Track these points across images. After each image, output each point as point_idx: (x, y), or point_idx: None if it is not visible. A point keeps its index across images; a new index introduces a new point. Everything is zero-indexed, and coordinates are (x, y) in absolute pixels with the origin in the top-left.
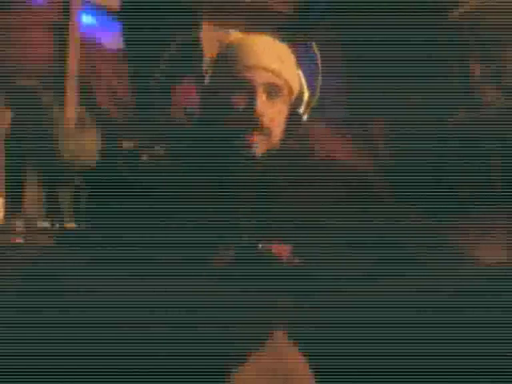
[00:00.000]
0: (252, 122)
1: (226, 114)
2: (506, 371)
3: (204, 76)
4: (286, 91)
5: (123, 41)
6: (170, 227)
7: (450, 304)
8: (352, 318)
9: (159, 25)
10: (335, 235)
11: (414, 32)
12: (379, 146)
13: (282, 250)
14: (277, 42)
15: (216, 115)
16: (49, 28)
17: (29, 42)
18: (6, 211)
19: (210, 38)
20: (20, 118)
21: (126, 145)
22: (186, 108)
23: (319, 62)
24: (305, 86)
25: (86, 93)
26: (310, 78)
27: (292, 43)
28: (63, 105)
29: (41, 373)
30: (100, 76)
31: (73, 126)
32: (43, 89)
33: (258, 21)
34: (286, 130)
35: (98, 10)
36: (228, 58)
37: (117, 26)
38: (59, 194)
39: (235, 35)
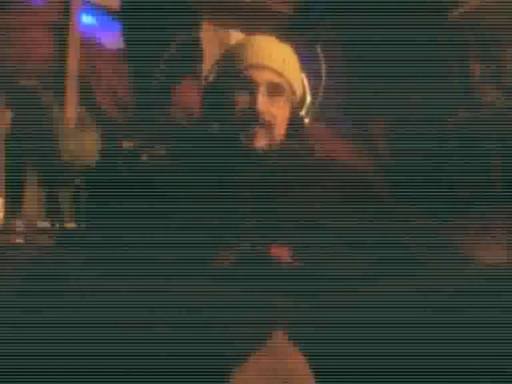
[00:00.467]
0: (254, 117)
1: (229, 111)
2: (506, 371)
3: (205, 75)
4: (288, 91)
5: (123, 41)
6: (169, 227)
7: (450, 304)
8: (352, 318)
9: (159, 25)
10: (335, 235)
11: (414, 32)
12: (379, 146)
13: (282, 251)
14: (281, 43)
15: (219, 113)
16: (49, 28)
17: (29, 42)
18: (6, 211)
19: (210, 37)
20: (20, 117)
21: (126, 145)
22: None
23: (324, 68)
24: (307, 90)
25: (86, 93)
26: (314, 82)
27: (294, 43)
28: (63, 105)
29: (41, 373)
30: (100, 76)
31: (73, 126)
32: (43, 89)
33: (258, 21)
34: (287, 132)
35: (98, 10)
36: (232, 57)
37: (117, 26)
38: (59, 194)
39: (237, 35)
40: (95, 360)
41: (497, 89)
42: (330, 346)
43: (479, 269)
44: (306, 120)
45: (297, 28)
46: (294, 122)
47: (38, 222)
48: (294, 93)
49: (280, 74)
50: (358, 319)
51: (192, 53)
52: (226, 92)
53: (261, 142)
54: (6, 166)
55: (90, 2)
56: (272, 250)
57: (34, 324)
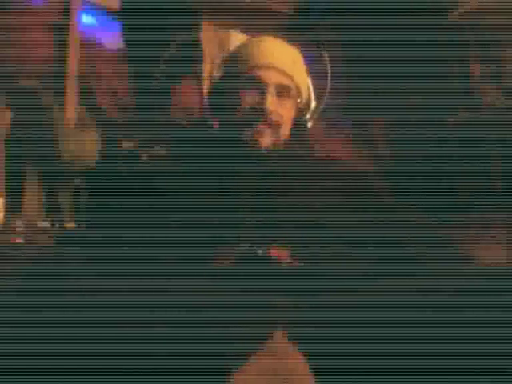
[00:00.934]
0: (262, 116)
1: (235, 110)
2: (506, 371)
3: (210, 74)
4: (295, 94)
5: (123, 41)
6: (169, 227)
7: (450, 304)
8: (352, 318)
9: (159, 25)
10: (334, 235)
11: (414, 32)
12: (379, 146)
13: (282, 254)
14: (290, 46)
15: (225, 112)
16: (49, 28)
17: (29, 42)
18: (6, 211)
19: (210, 37)
20: (20, 117)
21: (126, 145)
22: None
23: (329, 73)
24: (312, 95)
25: (86, 93)
26: (316, 82)
27: (294, 43)
28: (63, 105)
29: (41, 373)
30: (100, 76)
31: (73, 126)
32: (43, 89)
33: (258, 21)
34: (291, 134)
35: (98, 10)
36: (241, 57)
37: (117, 26)
38: (59, 194)
39: (237, 35)
40: (95, 360)
41: (497, 89)
42: (329, 346)
43: (479, 269)
44: (309, 124)
45: (297, 28)
46: (298, 124)
47: (38, 222)
48: (300, 95)
49: (290, 77)
50: (358, 319)
51: (192, 53)
52: (233, 91)
53: (266, 141)
54: (6, 166)
55: (90, 2)
56: (272, 251)
57: (33, 324)
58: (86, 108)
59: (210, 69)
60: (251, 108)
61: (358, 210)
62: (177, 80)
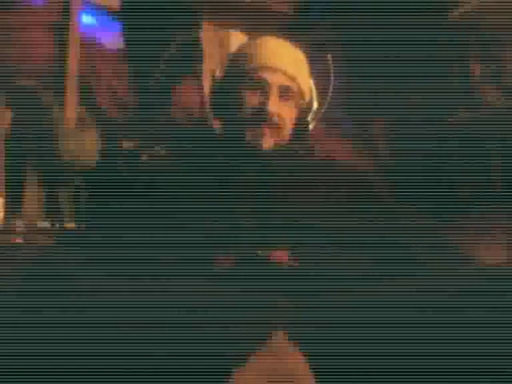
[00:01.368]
0: (265, 117)
1: (237, 110)
2: (506, 371)
3: (212, 75)
4: (297, 95)
5: (123, 41)
6: (169, 227)
7: (450, 304)
8: (352, 318)
9: (159, 25)
10: (334, 235)
11: (414, 32)
12: (379, 145)
13: (281, 255)
14: (293, 47)
15: (226, 112)
16: (49, 28)
17: (29, 42)
18: (6, 211)
19: (210, 37)
20: (20, 117)
21: (126, 145)
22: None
23: (332, 77)
24: (315, 96)
25: (86, 93)
26: (321, 90)
27: (294, 43)
28: (63, 105)
29: (41, 373)
30: (100, 76)
31: (73, 126)
32: (43, 89)
33: (258, 21)
34: (292, 135)
35: (98, 10)
36: (245, 58)
37: (117, 26)
38: (59, 194)
39: (237, 35)
40: (95, 360)
41: (497, 89)
42: (329, 346)
43: (479, 269)
44: (311, 126)
45: (297, 28)
46: (300, 125)
47: (38, 222)
48: (302, 97)
49: (292, 78)
50: (357, 319)
51: (192, 53)
52: (235, 91)
53: (268, 143)
54: (5, 166)
55: (90, 2)
56: (272, 252)
57: (34, 324)
58: (86, 108)
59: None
60: (254, 109)
61: (358, 210)
62: (177, 80)
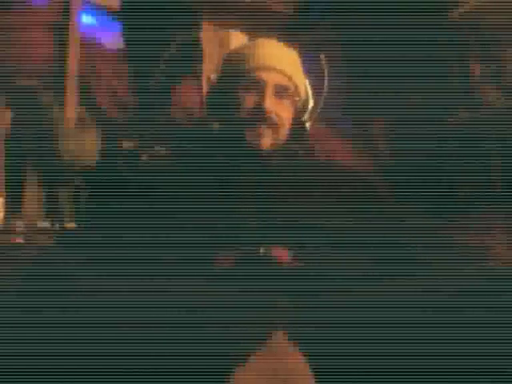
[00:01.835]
0: (262, 117)
1: (234, 110)
2: (506, 371)
3: (209, 75)
4: (293, 94)
5: (123, 41)
6: (169, 227)
7: (450, 304)
8: (352, 318)
9: (159, 25)
10: (334, 235)
11: (414, 32)
12: (379, 146)
13: (283, 253)
14: (287, 46)
15: (224, 112)
16: (49, 28)
17: (29, 42)
18: (6, 211)
19: (210, 37)
20: (20, 117)
21: (126, 145)
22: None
23: (326, 75)
24: (310, 95)
25: (86, 93)
26: (316, 90)
27: (294, 43)
28: (63, 105)
29: (41, 373)
30: (100, 76)
31: (73, 126)
32: (43, 89)
33: (258, 21)
34: (290, 134)
35: (98, 10)
36: (241, 58)
37: (117, 26)
38: (59, 194)
39: (237, 35)
40: (95, 360)
41: (497, 89)
42: (330, 346)
43: (479, 269)
44: (308, 124)
45: (297, 28)
46: (296, 124)
47: (38, 222)
48: (298, 96)
49: (289, 77)
50: (358, 319)
51: (192, 53)
52: (232, 92)
53: (266, 142)
54: (5, 166)
55: (90, 2)
56: (272, 252)
57: (34, 324)
58: (86, 108)
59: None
60: (250, 109)
61: (357, 210)
62: (177, 80)
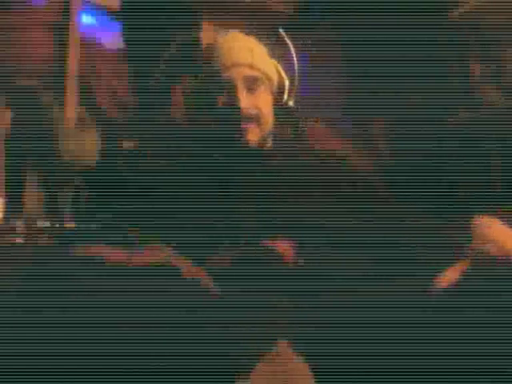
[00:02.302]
0: (239, 115)
1: (214, 113)
2: (506, 371)
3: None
4: (264, 81)
5: (123, 41)
6: (169, 227)
7: (450, 304)
8: (352, 318)
9: (159, 25)
10: (334, 235)
11: (414, 32)
12: (379, 145)
13: (286, 248)
14: (244, 36)
15: (203, 113)
16: (49, 28)
17: (29, 41)
18: (5, 211)
19: (210, 38)
20: (20, 117)
21: (126, 145)
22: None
23: (291, 47)
24: (283, 74)
25: (86, 93)
26: (288, 65)
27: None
28: (63, 105)
29: (41, 373)
30: (100, 76)
31: (73, 126)
32: (43, 89)
33: (258, 21)
34: (276, 119)
35: (98, 10)
36: (207, 61)
37: (117, 26)
38: (59, 194)
39: (238, 36)
40: (97, 360)
41: (497, 89)
42: (329, 346)
43: (479, 269)
44: (290, 103)
45: (297, 28)
46: (280, 108)
47: (38, 222)
48: (270, 80)
49: (251, 67)
50: (357, 319)
51: (192, 53)
52: (207, 93)
53: (253, 137)
54: (5, 166)
55: (90, 2)
56: (277, 248)
57: (34, 324)
58: (86, 108)
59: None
60: (227, 109)
61: (357, 210)
62: (177, 80)
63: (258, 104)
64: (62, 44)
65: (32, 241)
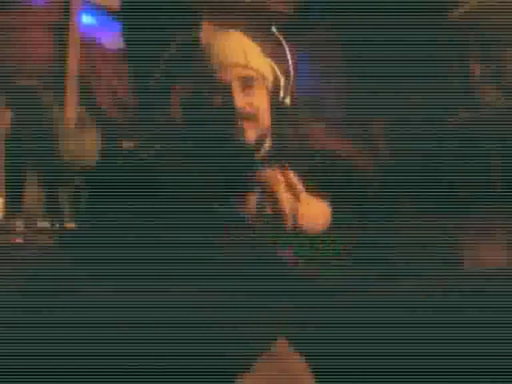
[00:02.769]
0: (235, 115)
1: (209, 113)
2: (506, 371)
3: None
4: (259, 80)
5: (123, 41)
6: (170, 227)
7: (450, 304)
8: (352, 318)
9: (159, 25)
10: (334, 235)
11: (414, 32)
12: (379, 145)
13: (287, 252)
14: (239, 35)
15: (201, 115)
16: (49, 28)
17: (29, 41)
18: (6, 211)
19: (210, 38)
20: (20, 117)
21: (126, 145)
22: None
23: (285, 45)
24: (278, 72)
25: (86, 93)
26: (284, 64)
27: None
28: (63, 105)
29: (41, 373)
30: (100, 76)
31: (73, 126)
32: (43, 89)
33: (258, 21)
34: (273, 118)
35: (98, 10)
36: (202, 61)
37: (117, 26)
38: (59, 194)
39: (238, 36)
40: (95, 360)
41: (497, 89)
42: (329, 346)
43: (479, 269)
44: (287, 101)
45: (297, 28)
46: (277, 106)
47: (38, 222)
48: (265, 79)
49: (245, 66)
50: (358, 319)
51: (192, 53)
52: (202, 93)
53: (251, 136)
54: (5, 166)
55: (90, 2)
56: (276, 252)
57: (33, 324)
58: (86, 108)
59: None
60: (223, 109)
61: (357, 210)
62: (177, 80)
63: (254, 103)
64: (62, 44)
65: (32, 241)
